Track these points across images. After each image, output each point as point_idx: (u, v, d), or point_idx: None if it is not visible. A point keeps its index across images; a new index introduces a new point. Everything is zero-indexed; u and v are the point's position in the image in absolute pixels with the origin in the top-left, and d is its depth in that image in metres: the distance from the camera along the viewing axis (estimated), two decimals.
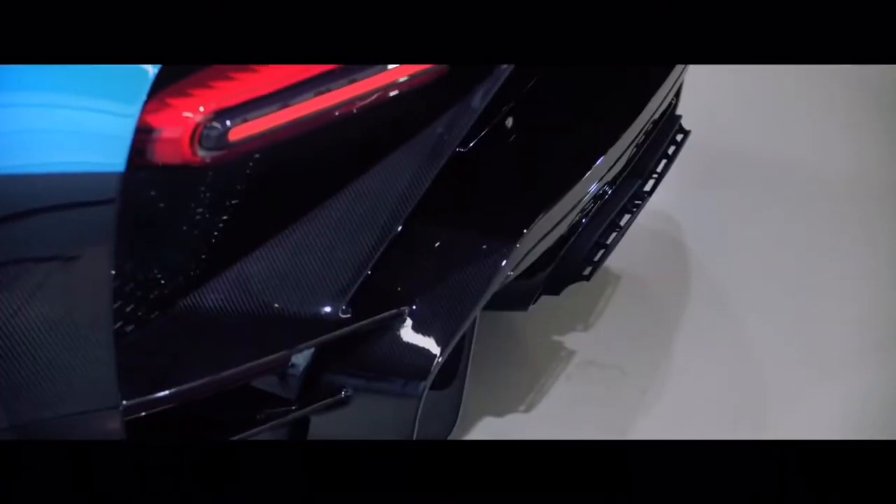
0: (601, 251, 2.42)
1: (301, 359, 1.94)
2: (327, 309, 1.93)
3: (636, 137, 2.47)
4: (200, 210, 1.85)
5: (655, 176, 2.63)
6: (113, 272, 1.70)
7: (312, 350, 1.94)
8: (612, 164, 2.35)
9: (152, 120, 1.71)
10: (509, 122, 2.32)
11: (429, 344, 1.96)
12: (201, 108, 1.73)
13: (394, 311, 1.97)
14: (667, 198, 3.03)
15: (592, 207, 2.40)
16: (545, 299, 2.39)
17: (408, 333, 1.97)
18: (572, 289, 2.42)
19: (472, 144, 2.19)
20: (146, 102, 1.68)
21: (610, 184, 2.46)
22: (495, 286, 2.02)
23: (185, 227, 1.85)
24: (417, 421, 1.96)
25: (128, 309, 1.82)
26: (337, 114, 1.83)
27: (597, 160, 2.26)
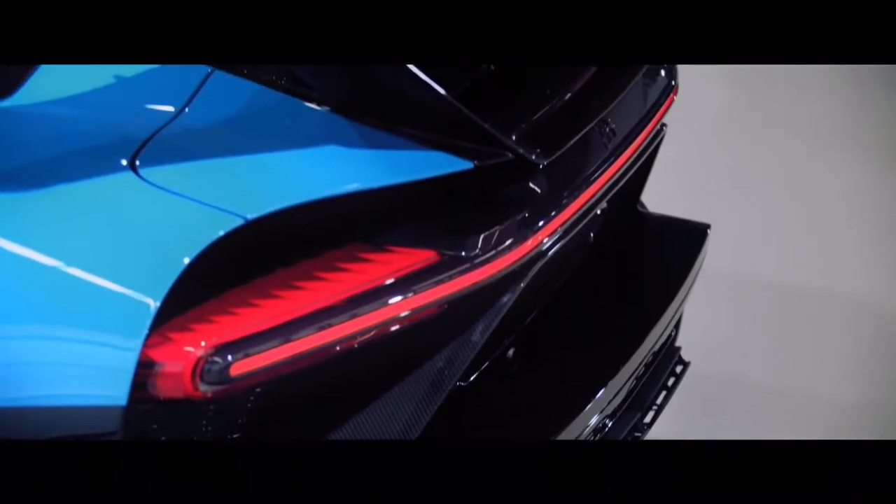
0: None
1: None
2: None
3: (636, 370, 2.47)
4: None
5: (655, 408, 2.62)
6: None
7: None
8: (611, 396, 2.35)
9: (154, 354, 1.72)
10: (510, 353, 2.33)
11: None
12: (203, 343, 1.73)
13: None
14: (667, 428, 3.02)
15: (593, 440, 2.39)
16: None
17: None
18: None
19: (472, 378, 2.20)
20: (148, 336, 1.69)
21: (610, 416, 2.45)
22: None
23: None
24: None
25: None
26: (338, 349, 1.84)
27: (597, 393, 2.26)
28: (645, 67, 2.43)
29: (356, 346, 1.86)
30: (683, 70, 2.62)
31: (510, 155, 2.01)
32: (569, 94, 2.23)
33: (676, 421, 3.12)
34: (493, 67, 2.19)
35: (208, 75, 1.96)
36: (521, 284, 2.06)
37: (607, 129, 2.26)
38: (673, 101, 2.53)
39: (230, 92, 1.96)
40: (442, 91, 1.90)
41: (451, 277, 1.92)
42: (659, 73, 2.54)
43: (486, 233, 1.96)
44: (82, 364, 1.71)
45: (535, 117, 2.12)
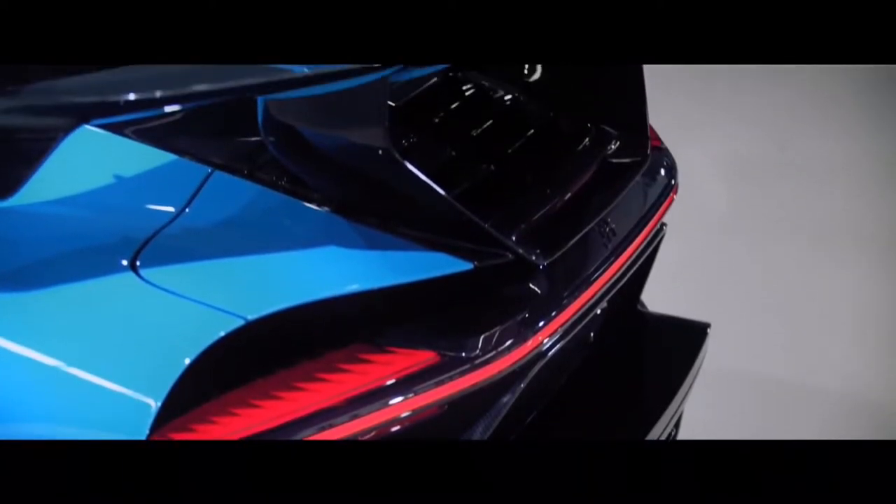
0: None
1: None
2: None
3: None
4: None
5: None
6: None
7: None
8: None
9: None
10: None
11: None
12: None
13: None
14: None
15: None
16: None
17: None
18: None
19: None
20: (149, 437, 1.68)
21: None
22: None
23: None
24: None
25: None
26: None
27: None
28: (645, 166, 2.44)
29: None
30: (683, 169, 2.64)
31: (510, 255, 2.02)
32: (568, 194, 2.24)
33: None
34: (492, 167, 2.20)
35: (208, 176, 1.97)
36: (521, 385, 2.06)
37: (607, 229, 2.27)
38: (673, 200, 2.54)
39: (230, 192, 1.97)
40: (441, 191, 1.91)
41: (451, 378, 1.92)
42: (659, 173, 2.56)
43: (487, 333, 1.96)
44: None
45: (535, 217, 2.13)
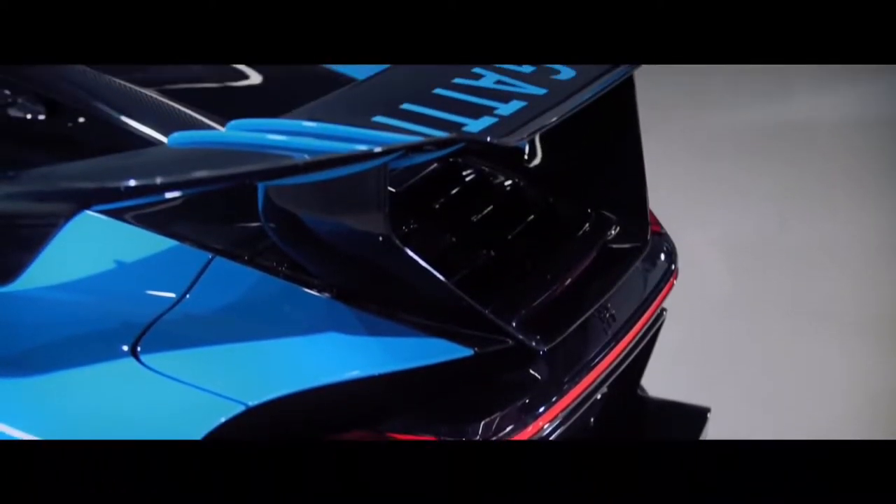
0: None
1: None
2: None
3: None
4: None
5: None
6: None
7: None
8: None
9: None
10: None
11: None
12: None
13: None
14: None
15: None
16: None
17: None
18: None
19: None
20: None
21: None
22: None
23: None
24: None
25: None
26: None
27: None
28: (646, 252, 2.44)
29: None
30: (683, 253, 2.64)
31: (510, 341, 2.02)
32: (568, 280, 2.24)
33: None
34: (492, 253, 2.21)
35: (209, 262, 1.98)
36: None
37: (607, 315, 2.27)
38: (673, 285, 2.54)
39: (231, 278, 1.97)
40: (441, 278, 1.92)
41: None
42: (659, 258, 2.56)
43: (487, 419, 1.96)
44: None
45: (536, 303, 2.13)
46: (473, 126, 1.89)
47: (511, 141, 1.89)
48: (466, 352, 1.98)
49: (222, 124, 1.95)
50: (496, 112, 1.94)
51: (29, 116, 2.40)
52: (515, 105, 1.97)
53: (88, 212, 1.91)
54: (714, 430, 2.81)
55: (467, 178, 2.41)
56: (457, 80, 2.04)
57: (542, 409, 2.03)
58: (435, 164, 2.36)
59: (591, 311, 2.23)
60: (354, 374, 1.89)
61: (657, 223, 2.62)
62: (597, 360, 2.20)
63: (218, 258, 1.97)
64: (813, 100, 6.99)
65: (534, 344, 2.04)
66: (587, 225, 2.39)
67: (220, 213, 2.07)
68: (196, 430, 1.74)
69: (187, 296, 1.94)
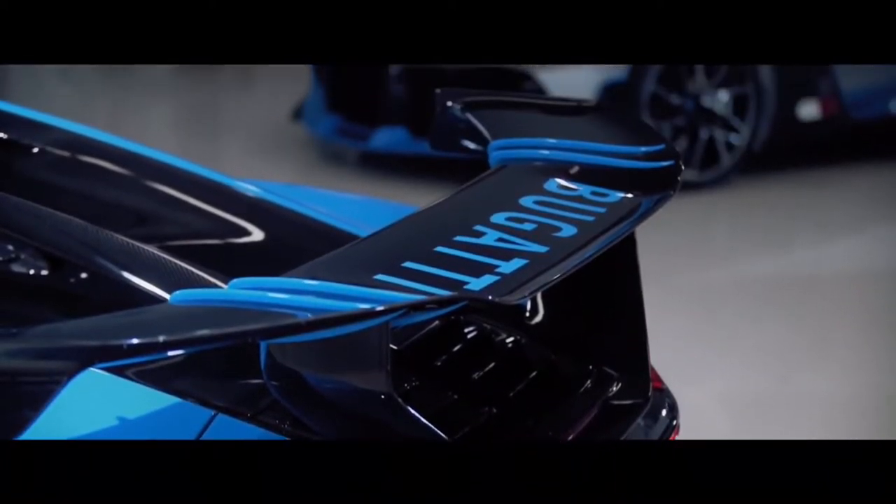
0: None
1: None
2: None
3: None
4: None
5: None
6: None
7: None
8: None
9: None
10: None
11: None
12: None
13: None
14: None
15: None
16: None
17: None
18: None
19: None
20: None
21: None
22: None
23: None
24: None
25: None
26: None
27: None
28: (647, 408, 2.44)
29: None
30: (685, 408, 2.64)
31: None
32: (570, 437, 2.24)
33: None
34: (494, 410, 2.21)
35: (211, 419, 1.97)
36: None
37: None
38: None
39: (233, 435, 1.97)
40: (443, 436, 1.91)
41: None
42: (660, 414, 2.56)
43: None
44: None
45: None
46: (475, 284, 1.91)
47: (512, 299, 1.91)
48: None
49: (224, 282, 1.97)
50: (497, 270, 1.96)
51: (32, 272, 2.42)
52: (517, 263, 1.99)
53: (92, 369, 1.91)
54: None
55: (469, 335, 2.41)
56: (458, 238, 2.06)
57: None
58: (437, 322, 2.37)
59: None
60: None
61: (658, 379, 2.62)
62: None
63: (220, 415, 1.97)
64: (814, 252, 7.04)
65: None
66: (588, 382, 2.39)
67: (222, 371, 2.08)
68: None
69: None
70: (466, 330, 2.43)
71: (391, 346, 1.86)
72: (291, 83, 9.30)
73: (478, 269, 1.95)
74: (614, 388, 2.40)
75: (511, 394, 2.28)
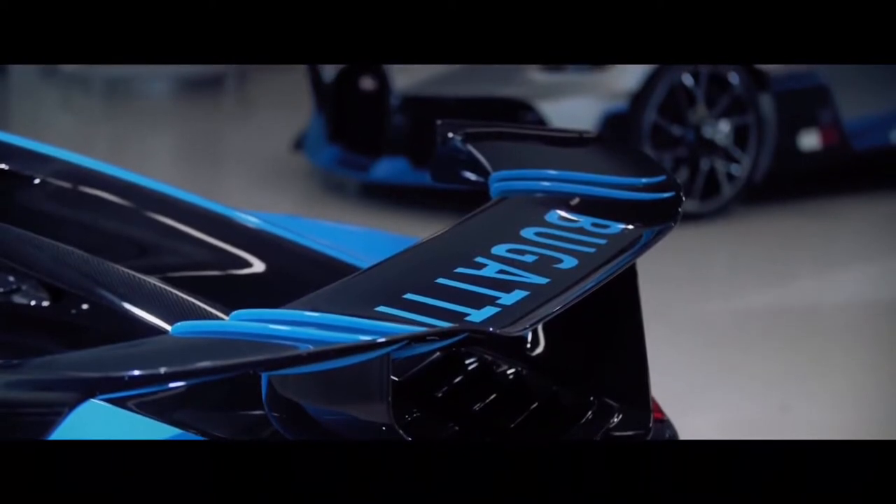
0: None
1: None
2: None
3: None
4: None
5: None
6: None
7: None
8: None
9: None
10: None
11: None
12: None
13: None
14: None
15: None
16: None
17: None
18: None
19: None
20: None
21: None
22: None
23: None
24: None
25: None
26: None
27: None
28: (648, 439, 2.44)
29: None
30: (685, 437, 2.63)
31: None
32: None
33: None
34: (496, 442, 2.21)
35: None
36: None
37: None
38: None
39: None
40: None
41: None
42: None
43: None
44: None
45: None
46: (476, 316, 1.91)
47: (513, 331, 1.91)
48: None
49: (226, 314, 1.97)
50: (498, 302, 1.96)
51: (33, 303, 2.43)
52: (517, 295, 1.99)
53: (93, 400, 1.91)
54: None
55: (470, 367, 2.41)
56: (459, 270, 2.06)
57: None
58: (438, 354, 2.37)
59: None
60: None
61: (659, 410, 2.61)
62: None
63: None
64: (815, 283, 7.04)
65: None
66: (589, 413, 2.39)
67: (223, 402, 2.08)
68: None
69: None
70: (467, 361, 2.43)
71: (392, 377, 1.86)
72: (292, 114, 9.34)
73: (479, 301, 1.96)
74: (615, 420, 2.40)
75: (512, 425, 2.27)
